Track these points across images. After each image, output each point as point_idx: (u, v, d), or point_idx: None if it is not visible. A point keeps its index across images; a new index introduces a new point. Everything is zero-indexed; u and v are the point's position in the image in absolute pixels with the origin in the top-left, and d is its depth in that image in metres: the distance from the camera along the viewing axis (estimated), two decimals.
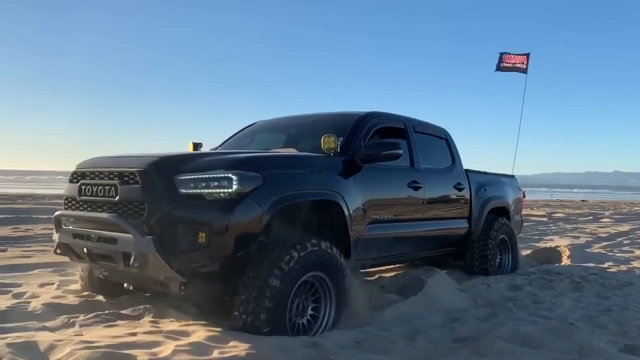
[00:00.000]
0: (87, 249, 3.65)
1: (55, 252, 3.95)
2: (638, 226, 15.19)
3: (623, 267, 7.26)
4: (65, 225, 3.86)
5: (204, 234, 3.28)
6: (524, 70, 9.63)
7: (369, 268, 5.21)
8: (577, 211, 22.27)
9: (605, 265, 7.36)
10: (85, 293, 4.44)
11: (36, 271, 5.55)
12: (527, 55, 9.66)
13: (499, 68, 9.96)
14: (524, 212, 19.30)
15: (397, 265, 5.95)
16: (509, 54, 9.81)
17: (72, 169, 4.03)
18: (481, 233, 5.97)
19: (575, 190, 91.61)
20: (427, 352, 3.25)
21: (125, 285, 4.22)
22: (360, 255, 4.30)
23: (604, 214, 21.08)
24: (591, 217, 18.50)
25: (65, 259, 4.01)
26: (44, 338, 3.24)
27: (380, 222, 4.51)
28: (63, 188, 4.08)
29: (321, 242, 3.67)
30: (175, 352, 2.96)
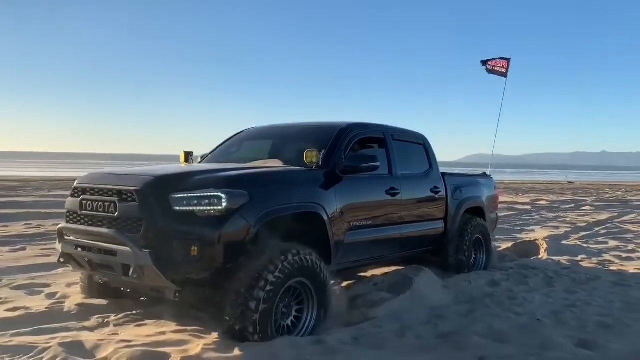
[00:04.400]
0: (88, 259, 4.00)
1: (58, 261, 4.32)
2: (616, 214, 15.94)
3: (594, 260, 7.90)
4: (67, 237, 4.18)
5: (196, 248, 3.62)
6: (504, 75, 10.13)
7: (351, 269, 5.69)
8: (560, 198, 23.02)
9: (579, 258, 7.97)
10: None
11: (60, 270, 6.01)
12: (508, 60, 10.15)
13: (488, 71, 10.42)
14: (509, 199, 19.94)
15: (378, 265, 6.40)
16: (489, 60, 10.29)
17: (74, 184, 4.33)
18: (457, 232, 6.38)
19: (565, 171, 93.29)
20: (415, 347, 3.83)
21: (123, 289, 4.64)
22: (341, 260, 4.66)
23: (586, 200, 21.87)
24: (573, 205, 19.23)
25: None
26: (87, 338, 3.80)
27: (360, 228, 4.87)
28: (65, 200, 4.40)
29: (304, 251, 4.00)
30: (204, 350, 3.50)
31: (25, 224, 9.54)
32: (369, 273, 6.31)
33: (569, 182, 42.51)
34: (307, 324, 4.11)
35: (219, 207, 3.71)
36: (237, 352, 3.50)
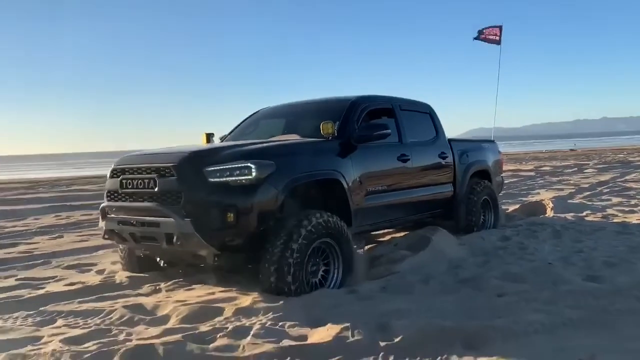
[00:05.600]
0: (131, 232, 4.38)
1: (103, 237, 4.75)
2: (618, 174, 16.31)
3: (599, 215, 8.30)
4: (110, 214, 4.57)
5: (232, 214, 3.99)
6: (498, 42, 10.48)
7: (369, 232, 6.10)
8: (563, 163, 23.41)
9: (584, 213, 8.38)
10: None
11: (100, 252, 6.47)
12: (500, 27, 10.51)
13: (477, 38, 10.81)
14: (513, 167, 20.33)
15: (394, 228, 6.82)
16: (483, 28, 10.67)
17: (111, 166, 4.70)
18: (465, 195, 6.75)
19: (571, 139, 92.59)
20: (439, 291, 4.27)
21: (160, 262, 5.08)
22: (360, 223, 5.02)
23: (589, 164, 22.23)
24: (576, 169, 19.61)
25: None
26: (145, 301, 4.23)
27: (376, 193, 5.23)
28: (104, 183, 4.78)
29: (326, 214, 4.38)
30: (253, 302, 3.94)
31: (55, 216, 10.00)
32: (388, 237, 6.74)
33: (571, 150, 42.70)
34: (334, 281, 4.50)
35: (250, 177, 4.09)
36: (282, 302, 3.93)
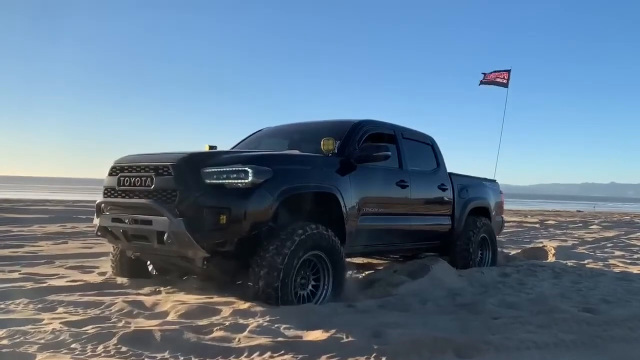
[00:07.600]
0: (123, 230, 4.34)
1: (96, 234, 4.71)
2: (623, 232, 16.26)
3: (600, 264, 8.30)
4: (104, 211, 4.58)
5: (224, 216, 3.98)
6: (505, 85, 10.57)
7: (362, 255, 6.05)
8: (568, 219, 23.35)
9: (585, 261, 8.39)
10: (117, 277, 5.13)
11: (102, 258, 6.54)
12: (508, 71, 10.64)
13: (482, 82, 10.96)
14: (518, 219, 20.23)
15: (388, 255, 6.79)
16: (489, 73, 10.81)
17: (111, 164, 4.67)
18: (463, 230, 6.66)
19: (575, 201, 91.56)
20: (436, 311, 4.31)
21: (150, 268, 5.09)
22: (354, 242, 4.97)
23: (594, 221, 22.18)
24: (581, 224, 19.57)
25: None
26: (146, 299, 4.29)
27: (372, 214, 5.20)
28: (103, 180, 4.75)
29: (320, 227, 4.35)
30: (251, 306, 3.98)
31: (61, 225, 10.14)
32: (387, 264, 6.78)
33: (578, 211, 42.27)
34: (323, 296, 4.44)
35: (246, 181, 4.09)
36: (281, 307, 3.98)
